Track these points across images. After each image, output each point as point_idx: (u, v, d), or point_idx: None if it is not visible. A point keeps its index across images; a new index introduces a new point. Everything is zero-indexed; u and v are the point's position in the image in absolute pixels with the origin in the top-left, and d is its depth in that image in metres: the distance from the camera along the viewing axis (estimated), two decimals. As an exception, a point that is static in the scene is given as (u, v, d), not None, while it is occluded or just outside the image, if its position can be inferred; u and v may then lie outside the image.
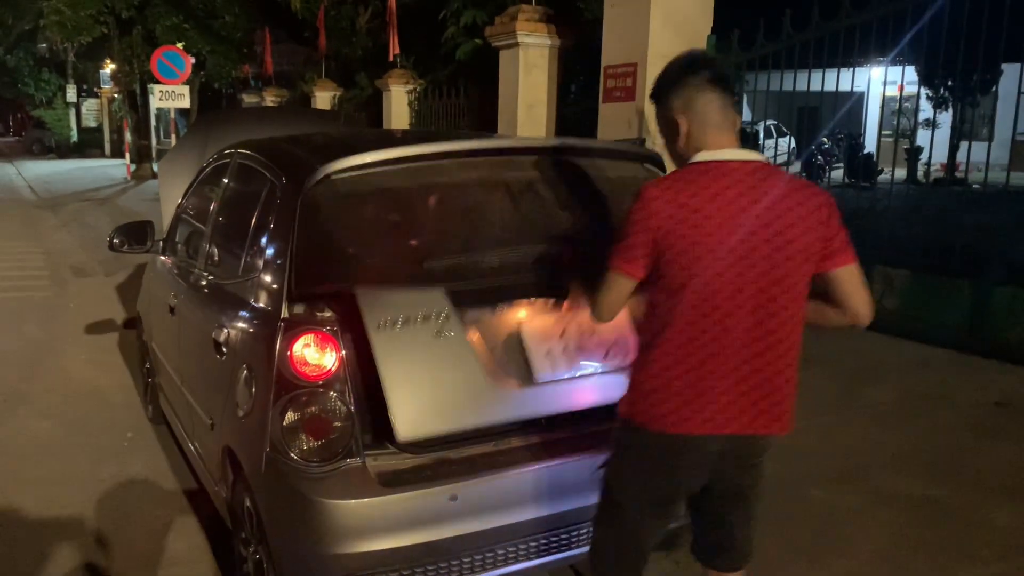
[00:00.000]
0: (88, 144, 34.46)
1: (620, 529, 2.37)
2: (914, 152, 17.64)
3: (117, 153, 29.42)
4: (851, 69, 7.43)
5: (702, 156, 2.11)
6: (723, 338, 2.07)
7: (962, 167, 13.63)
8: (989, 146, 6.66)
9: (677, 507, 2.37)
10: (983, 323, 6.26)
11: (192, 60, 19.04)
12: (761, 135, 15.71)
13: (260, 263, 2.99)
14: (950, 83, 18.68)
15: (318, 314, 2.63)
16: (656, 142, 2.48)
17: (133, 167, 22.01)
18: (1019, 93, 6.33)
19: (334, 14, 15.25)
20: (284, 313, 2.66)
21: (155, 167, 21.38)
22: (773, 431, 2.17)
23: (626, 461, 2.31)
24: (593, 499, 2.45)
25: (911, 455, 4.44)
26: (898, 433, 4.74)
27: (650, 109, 2.33)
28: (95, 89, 34.47)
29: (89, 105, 36.37)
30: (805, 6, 6.95)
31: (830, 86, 7.29)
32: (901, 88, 8.84)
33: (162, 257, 4.51)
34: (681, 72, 2.16)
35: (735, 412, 2.12)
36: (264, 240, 3.01)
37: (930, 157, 8.68)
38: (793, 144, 17.57)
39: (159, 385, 4.50)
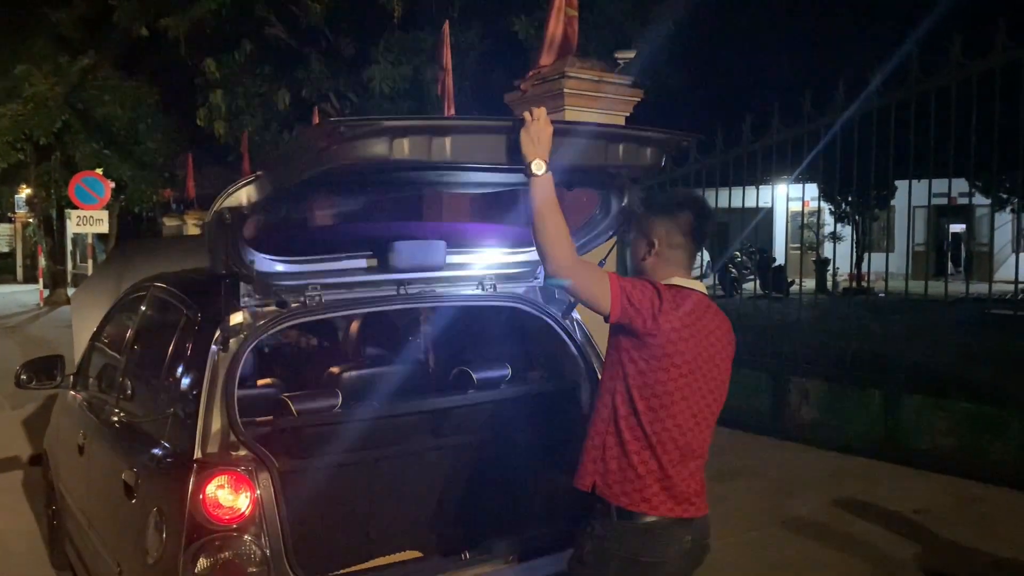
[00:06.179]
0: (0, 270, 33.59)
1: None
2: (822, 263, 18.43)
3: (30, 278, 28.60)
4: (755, 188, 7.85)
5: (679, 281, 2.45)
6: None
7: (867, 277, 14.32)
8: (886, 257, 7.07)
9: None
10: (896, 432, 6.46)
11: (112, 185, 18.83)
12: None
13: (174, 400, 2.92)
14: (849, 199, 19.79)
15: (232, 453, 2.57)
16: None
17: (47, 293, 21.37)
18: (910, 208, 6.80)
19: (258, 139, 15.35)
20: (197, 453, 2.59)
21: (70, 292, 20.80)
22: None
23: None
24: None
25: (836, 568, 4.48)
26: (823, 546, 4.78)
27: None
28: (8, 214, 33.70)
29: (2, 230, 35.58)
30: (711, 131, 7.36)
31: (738, 203, 7.66)
32: (806, 204, 9.35)
33: (72, 392, 4.35)
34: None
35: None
36: (178, 376, 2.95)
37: (834, 268, 9.13)
38: (708, 258, 18.21)
39: (65, 528, 4.26)
